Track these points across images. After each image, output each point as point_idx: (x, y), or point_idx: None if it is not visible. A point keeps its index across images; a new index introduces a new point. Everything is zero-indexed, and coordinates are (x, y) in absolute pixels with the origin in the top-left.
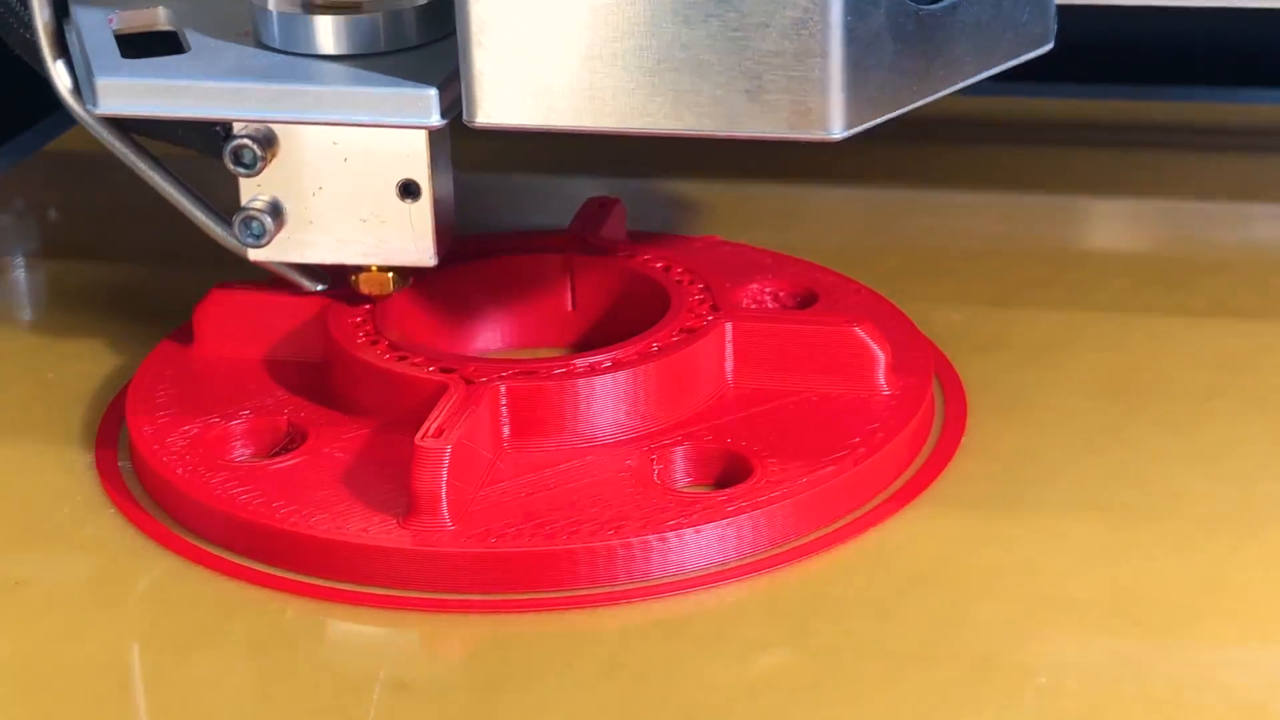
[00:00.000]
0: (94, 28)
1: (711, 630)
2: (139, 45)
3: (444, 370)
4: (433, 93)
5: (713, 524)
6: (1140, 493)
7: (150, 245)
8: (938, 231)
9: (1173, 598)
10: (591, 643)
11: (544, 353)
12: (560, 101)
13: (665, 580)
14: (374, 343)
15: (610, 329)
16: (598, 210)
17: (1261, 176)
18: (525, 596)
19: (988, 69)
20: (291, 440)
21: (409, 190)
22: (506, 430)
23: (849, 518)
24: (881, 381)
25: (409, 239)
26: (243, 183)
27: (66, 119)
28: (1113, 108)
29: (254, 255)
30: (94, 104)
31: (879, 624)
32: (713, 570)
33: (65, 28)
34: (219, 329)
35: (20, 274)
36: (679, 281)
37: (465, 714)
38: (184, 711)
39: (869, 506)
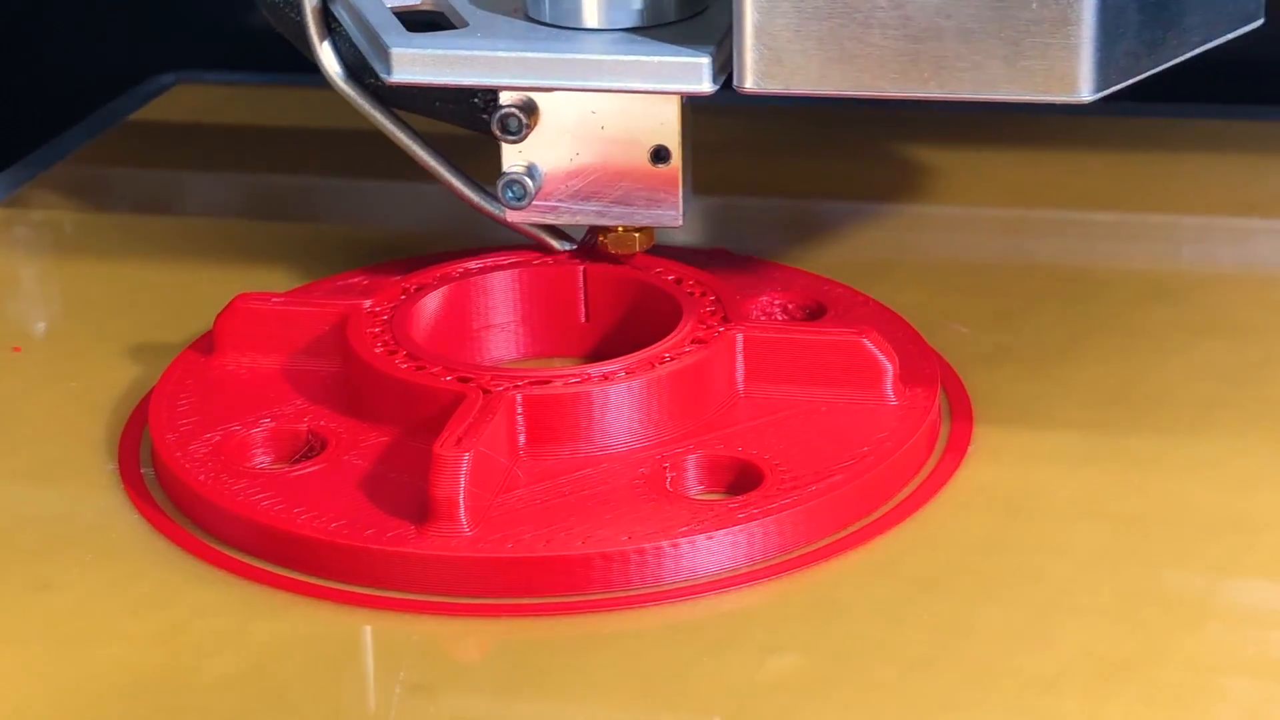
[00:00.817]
0: (372, 6)
1: (723, 634)
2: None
3: (461, 380)
4: (706, 59)
5: (724, 530)
6: (1142, 501)
7: (171, 257)
8: (944, 246)
9: (1175, 604)
10: (605, 646)
11: (558, 363)
12: (828, 69)
13: (678, 585)
14: (392, 352)
15: (623, 339)
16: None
17: (1261, 192)
18: (541, 601)
19: (1209, 41)
20: (311, 448)
21: (660, 155)
22: (523, 438)
23: (858, 525)
24: (889, 392)
25: (658, 201)
26: (505, 149)
27: (86, 132)
28: (1115, 123)
29: (512, 216)
30: (387, 72)
31: (887, 629)
32: (724, 576)
33: (331, 7)
34: (240, 339)
35: (43, 284)
36: (690, 293)
37: (483, 715)
38: (206, 713)
39: (877, 514)
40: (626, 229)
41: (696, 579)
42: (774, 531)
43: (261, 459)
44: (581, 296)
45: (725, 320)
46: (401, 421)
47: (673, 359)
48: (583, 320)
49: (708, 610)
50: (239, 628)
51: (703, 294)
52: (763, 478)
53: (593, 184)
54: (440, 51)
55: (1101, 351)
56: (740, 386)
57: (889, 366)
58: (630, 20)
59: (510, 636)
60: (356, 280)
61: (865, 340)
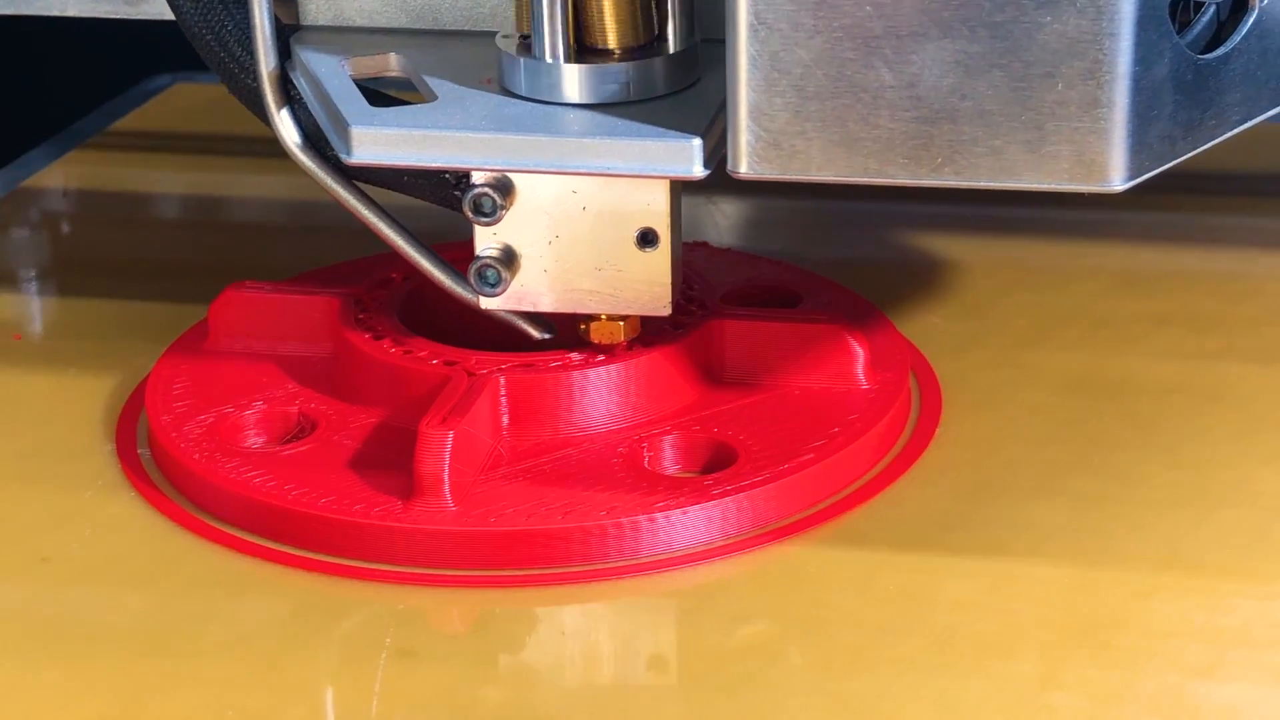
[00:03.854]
0: (332, 75)
1: (696, 604)
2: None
3: (447, 363)
4: (697, 142)
5: (699, 506)
6: (1101, 480)
7: (166, 249)
8: (917, 239)
9: (1129, 573)
10: (584, 616)
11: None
12: (830, 153)
13: (654, 558)
14: (380, 337)
15: None
16: None
17: (1225, 186)
18: (522, 573)
19: (1252, 118)
20: (302, 429)
21: (648, 239)
22: (506, 419)
23: (827, 502)
24: (860, 376)
25: (644, 287)
26: (478, 231)
27: (85, 130)
28: None
29: (486, 304)
30: (347, 153)
31: (853, 598)
32: (698, 549)
33: (290, 74)
34: (233, 325)
35: (42, 276)
36: None
37: (466, 680)
38: (200, 678)
39: (847, 492)
40: (611, 317)
41: (672, 552)
42: (746, 507)
43: (254, 439)
44: None
45: (703, 307)
46: (389, 403)
47: (651, 344)
48: None
49: (682, 582)
50: (232, 599)
51: (682, 282)
52: (736, 456)
53: (574, 269)
54: (404, 131)
55: (1066, 340)
56: (717, 371)
57: (860, 352)
58: (614, 94)
59: (493, 606)
60: (347, 270)
61: (838, 328)
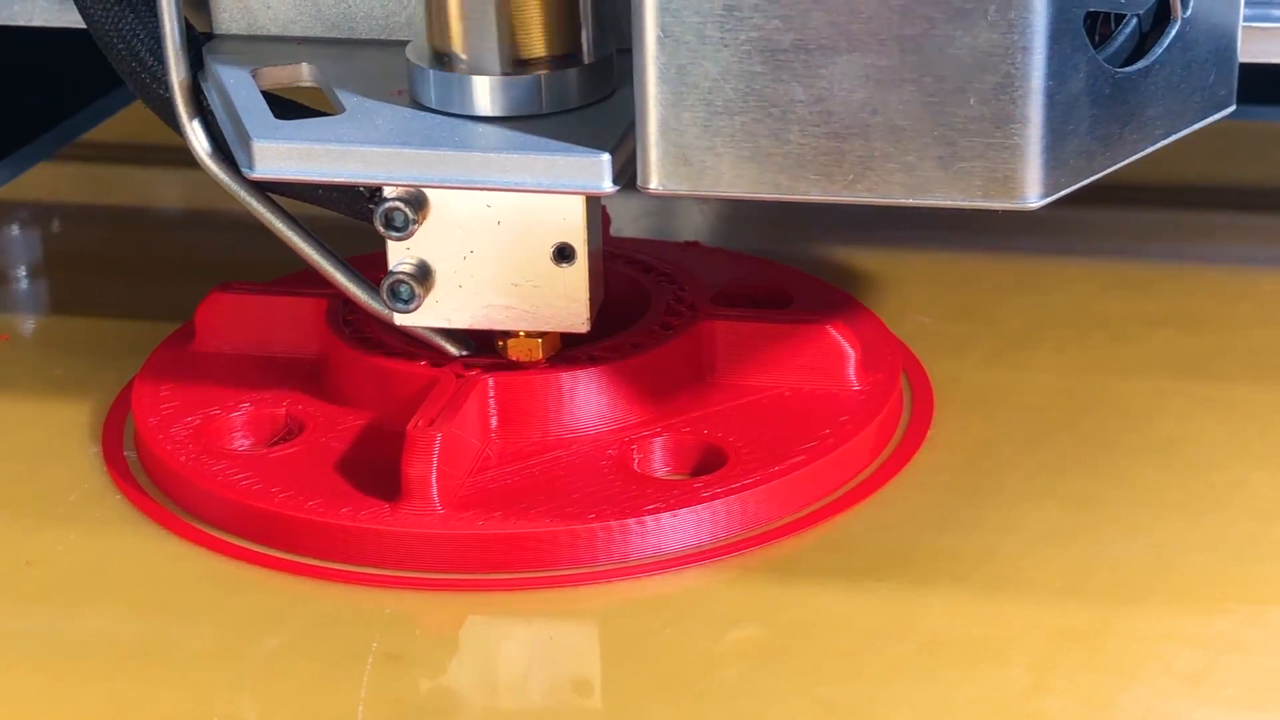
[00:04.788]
0: (239, 86)
1: (686, 607)
2: (278, 103)
3: (435, 365)
4: (606, 158)
5: (688, 509)
6: (1093, 482)
7: (155, 249)
8: (908, 240)
9: (1121, 578)
10: (573, 619)
11: None
12: (740, 169)
13: (643, 561)
14: (367, 339)
15: (595, 327)
16: None
17: (1219, 186)
18: (510, 576)
19: (1176, 132)
20: (289, 431)
21: (564, 254)
22: (494, 421)
23: (818, 504)
24: (852, 377)
25: (562, 303)
26: (391, 246)
27: (76, 128)
28: None
29: (400, 320)
30: (249, 167)
31: (843, 602)
32: (688, 552)
33: (202, 84)
34: (219, 327)
35: (30, 275)
36: (660, 283)
37: (453, 684)
38: (186, 683)
39: (838, 494)
40: (530, 333)
41: (661, 555)
42: (736, 510)
43: (241, 442)
44: None
45: (693, 308)
46: (377, 406)
47: (641, 345)
48: None
49: (672, 585)
50: (218, 603)
51: (672, 283)
52: (726, 459)
53: (490, 285)
54: (307, 145)
55: (1059, 341)
56: (707, 372)
57: (852, 353)
58: (527, 107)
59: (481, 610)
60: None
61: (829, 328)
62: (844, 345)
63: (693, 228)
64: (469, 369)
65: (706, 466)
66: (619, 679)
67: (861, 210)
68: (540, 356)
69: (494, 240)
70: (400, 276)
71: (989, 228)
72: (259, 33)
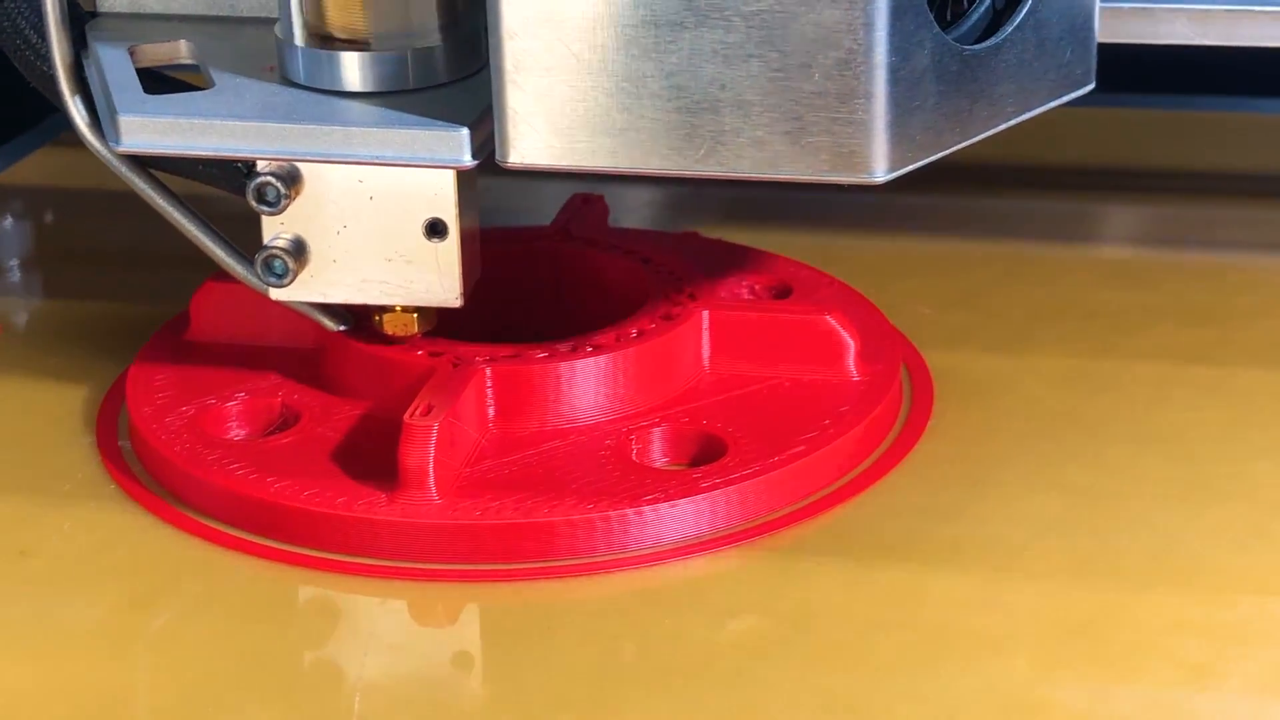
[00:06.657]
0: (115, 62)
1: (685, 598)
2: (161, 81)
3: (433, 354)
4: (464, 132)
5: (687, 499)
6: (1095, 473)
7: (149, 238)
8: (908, 229)
9: (1123, 568)
10: (571, 610)
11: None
12: (596, 143)
13: (642, 552)
14: (363, 327)
15: (593, 317)
16: (582, 206)
17: (1220, 177)
18: (509, 566)
19: (1029, 110)
20: (285, 421)
21: (436, 229)
22: (492, 411)
23: (818, 494)
24: (851, 368)
25: (434, 279)
26: (265, 221)
27: (61, 124)
28: (1079, 111)
29: (276, 294)
30: (116, 140)
31: (844, 593)
32: (687, 543)
33: (84, 61)
34: (214, 316)
35: (24, 265)
36: (659, 273)
37: (450, 676)
38: (182, 674)
39: (838, 484)
40: (405, 309)
41: (660, 545)
42: (735, 500)
43: (236, 431)
44: (554, 276)
45: (692, 298)
46: (373, 395)
47: (639, 335)
48: (555, 298)
49: (671, 575)
50: (214, 593)
51: (671, 273)
52: (726, 449)
53: (363, 260)
54: (172, 119)
55: (1060, 331)
56: (706, 363)
57: (851, 343)
58: (394, 83)
59: (478, 601)
60: None
61: (828, 317)
62: (843, 335)
63: (691, 219)
64: (466, 358)
65: (705, 457)
66: (618, 670)
67: (861, 200)
68: (415, 331)
69: (367, 215)
70: (274, 251)
71: (988, 218)
72: (142, 10)
